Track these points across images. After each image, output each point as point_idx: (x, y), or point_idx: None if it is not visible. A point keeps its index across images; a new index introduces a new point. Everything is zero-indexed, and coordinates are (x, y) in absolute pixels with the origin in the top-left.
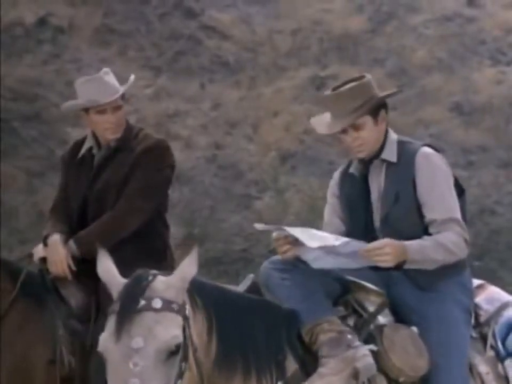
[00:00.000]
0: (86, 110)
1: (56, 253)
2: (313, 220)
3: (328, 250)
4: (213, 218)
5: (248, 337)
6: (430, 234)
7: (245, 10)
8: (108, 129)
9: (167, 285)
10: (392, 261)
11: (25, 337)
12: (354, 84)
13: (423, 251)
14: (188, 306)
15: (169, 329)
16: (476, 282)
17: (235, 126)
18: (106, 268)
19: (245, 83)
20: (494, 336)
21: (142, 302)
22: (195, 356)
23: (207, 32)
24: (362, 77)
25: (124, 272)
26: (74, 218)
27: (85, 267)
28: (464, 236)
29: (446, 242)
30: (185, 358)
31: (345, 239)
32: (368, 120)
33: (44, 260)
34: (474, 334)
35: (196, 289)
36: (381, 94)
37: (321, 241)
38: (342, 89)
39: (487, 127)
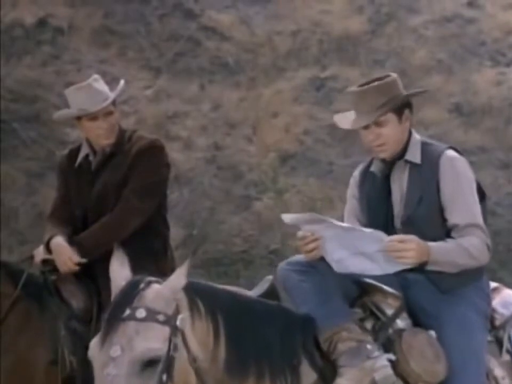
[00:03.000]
0: (78, 118)
1: (62, 252)
2: None
3: (354, 250)
4: (213, 219)
5: (260, 341)
6: (451, 238)
7: (244, 11)
8: (100, 135)
9: (156, 294)
10: (416, 258)
11: (26, 338)
12: (380, 82)
13: (446, 253)
14: (181, 316)
15: (148, 340)
16: (491, 285)
17: (235, 127)
18: (115, 269)
19: (244, 84)
20: (510, 340)
21: (127, 311)
22: (194, 366)
23: (207, 33)
24: (388, 75)
25: None
26: (79, 225)
27: (86, 268)
28: (486, 242)
29: (468, 247)
30: (167, 370)
31: (371, 230)
32: (392, 118)
33: (45, 261)
34: (489, 338)
35: (199, 294)
36: (406, 93)
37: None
38: (368, 86)
39: (486, 128)
